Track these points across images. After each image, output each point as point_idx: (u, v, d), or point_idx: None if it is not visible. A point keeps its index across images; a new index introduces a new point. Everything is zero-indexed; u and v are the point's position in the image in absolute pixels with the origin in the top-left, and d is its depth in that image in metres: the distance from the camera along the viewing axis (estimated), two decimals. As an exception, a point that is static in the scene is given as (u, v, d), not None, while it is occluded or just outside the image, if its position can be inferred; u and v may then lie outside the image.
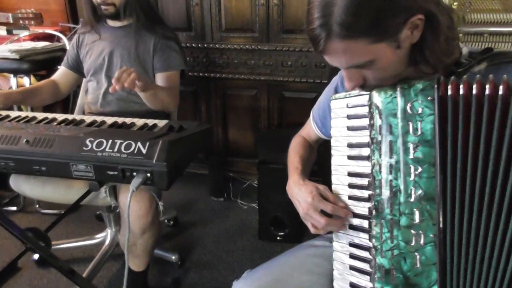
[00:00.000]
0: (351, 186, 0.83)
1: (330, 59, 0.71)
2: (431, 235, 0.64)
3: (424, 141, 0.64)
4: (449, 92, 0.63)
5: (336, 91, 0.99)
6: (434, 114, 0.63)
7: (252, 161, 2.46)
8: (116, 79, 1.23)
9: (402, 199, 0.66)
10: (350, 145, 0.82)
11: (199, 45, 2.29)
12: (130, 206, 1.04)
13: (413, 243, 0.65)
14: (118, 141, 1.02)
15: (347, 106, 0.84)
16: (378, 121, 0.70)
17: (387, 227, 0.68)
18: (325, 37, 0.65)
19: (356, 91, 0.83)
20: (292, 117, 2.34)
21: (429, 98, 0.64)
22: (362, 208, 0.80)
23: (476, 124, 0.61)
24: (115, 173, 1.01)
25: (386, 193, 0.69)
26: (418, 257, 0.65)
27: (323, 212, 0.82)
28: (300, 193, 0.86)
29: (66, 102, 2.40)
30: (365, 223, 0.80)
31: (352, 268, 0.81)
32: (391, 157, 0.68)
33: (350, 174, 0.84)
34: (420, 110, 0.65)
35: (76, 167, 1.02)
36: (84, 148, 1.01)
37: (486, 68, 0.72)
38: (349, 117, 0.83)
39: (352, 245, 0.82)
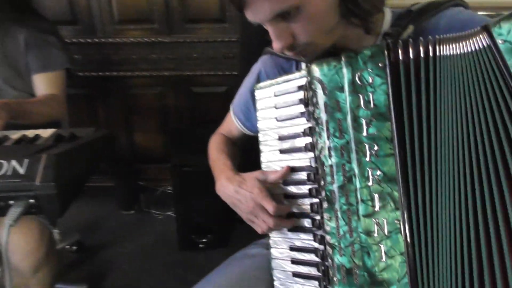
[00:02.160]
0: (286, 183, 0.75)
1: (253, 12, 0.63)
2: (395, 221, 0.56)
3: (379, 114, 0.56)
4: (400, 57, 0.55)
5: (259, 80, 0.89)
6: (387, 83, 0.55)
7: (165, 166, 2.26)
8: None
9: (358, 184, 0.57)
10: (282, 138, 0.75)
11: (89, 40, 2.02)
12: (11, 243, 0.79)
13: (375, 234, 0.57)
14: (-19, 162, 0.76)
15: (275, 95, 0.76)
16: (322, 98, 0.60)
17: (343, 219, 0.59)
18: None
19: (283, 77, 0.75)
20: (204, 114, 2.19)
21: (380, 64, 0.55)
22: (300, 206, 0.73)
23: (426, 91, 0.54)
24: (-19, 204, 0.76)
25: (339, 179, 0.59)
26: (383, 248, 0.56)
27: None
28: (240, 190, 0.74)
29: None
30: (306, 222, 0.73)
31: (296, 275, 0.74)
32: (341, 137, 0.58)
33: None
34: (370, 80, 0.56)
35: None
36: None
37: (414, 32, 0.69)
38: (278, 106, 0.76)
39: (293, 249, 0.75)
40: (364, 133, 0.57)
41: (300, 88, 0.71)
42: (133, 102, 2.17)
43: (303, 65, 0.84)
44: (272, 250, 0.78)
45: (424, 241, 0.54)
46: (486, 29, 0.50)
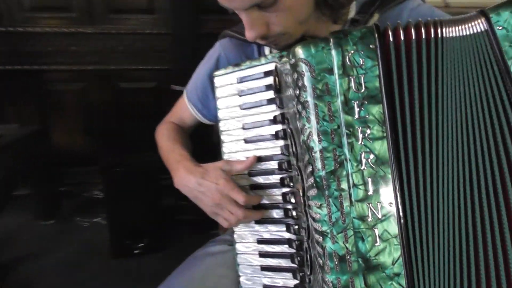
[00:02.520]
0: (252, 173, 0.73)
1: None
2: (389, 204, 0.55)
3: (370, 96, 0.55)
4: (391, 39, 0.55)
5: (218, 65, 0.84)
6: (378, 65, 0.55)
7: (91, 168, 2.07)
8: None
9: (350, 168, 0.56)
10: (246, 127, 0.73)
11: (-6, 29, 1.76)
12: None
13: (369, 218, 0.56)
14: None
15: (238, 82, 0.74)
16: (309, 81, 0.57)
17: (335, 205, 0.57)
18: None
19: (247, 62, 0.72)
20: (133, 112, 2.05)
21: (371, 46, 0.54)
22: (269, 197, 0.73)
23: (418, 73, 0.55)
24: None
25: (329, 165, 0.57)
26: (377, 232, 0.56)
27: None
28: (203, 182, 0.70)
29: None
30: (276, 213, 0.72)
31: (265, 268, 0.73)
32: (331, 121, 0.56)
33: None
34: (361, 62, 0.55)
35: None
36: None
37: (379, 20, 0.72)
38: (241, 94, 0.73)
39: (261, 242, 0.74)
40: (356, 116, 0.56)
41: (267, 74, 0.70)
42: (51, 99, 1.95)
43: (266, 50, 0.82)
44: (237, 245, 0.75)
45: (417, 222, 0.55)
46: (484, 15, 0.52)
